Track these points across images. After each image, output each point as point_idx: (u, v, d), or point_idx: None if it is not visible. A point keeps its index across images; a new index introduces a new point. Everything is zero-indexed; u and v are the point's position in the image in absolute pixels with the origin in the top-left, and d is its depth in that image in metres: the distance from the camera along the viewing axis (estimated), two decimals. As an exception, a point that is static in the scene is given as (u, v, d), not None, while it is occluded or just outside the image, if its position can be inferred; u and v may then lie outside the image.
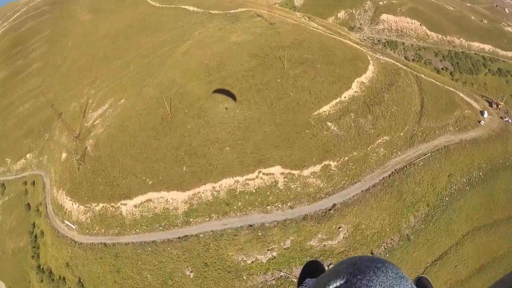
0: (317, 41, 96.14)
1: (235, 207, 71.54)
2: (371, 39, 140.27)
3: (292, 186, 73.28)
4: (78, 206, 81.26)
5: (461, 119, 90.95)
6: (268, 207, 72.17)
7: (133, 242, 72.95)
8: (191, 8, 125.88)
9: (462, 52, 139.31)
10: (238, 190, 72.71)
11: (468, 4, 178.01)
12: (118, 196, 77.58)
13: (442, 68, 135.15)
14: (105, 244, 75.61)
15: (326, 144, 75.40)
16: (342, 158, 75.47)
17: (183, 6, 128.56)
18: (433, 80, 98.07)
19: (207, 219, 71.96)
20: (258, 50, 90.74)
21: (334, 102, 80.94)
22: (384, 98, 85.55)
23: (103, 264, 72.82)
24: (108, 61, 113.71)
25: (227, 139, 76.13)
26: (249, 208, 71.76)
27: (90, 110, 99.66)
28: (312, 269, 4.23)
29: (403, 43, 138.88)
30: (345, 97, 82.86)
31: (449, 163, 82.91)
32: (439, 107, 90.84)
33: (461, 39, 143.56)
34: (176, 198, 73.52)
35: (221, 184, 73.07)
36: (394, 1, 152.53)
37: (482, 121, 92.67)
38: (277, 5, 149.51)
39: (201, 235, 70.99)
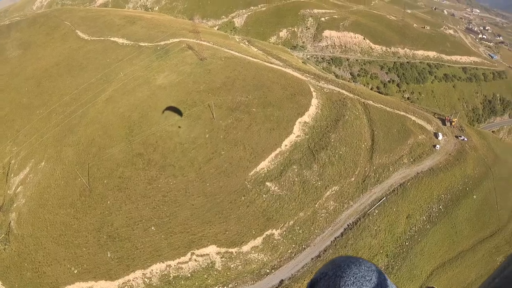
0: (252, 77, 77.32)
1: (170, 294, 54.03)
2: (315, 57, 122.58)
3: (232, 266, 55.46)
4: (11, 294, 61.25)
5: (415, 148, 75.17)
6: (208, 292, 54.60)
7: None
8: (120, 41, 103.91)
9: (407, 62, 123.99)
10: (171, 276, 55.07)
11: (409, 11, 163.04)
12: (46, 285, 59.10)
13: (389, 81, 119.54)
14: None
15: (267, 210, 57.57)
16: (287, 223, 57.97)
17: (112, 39, 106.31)
18: (382, 106, 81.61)
19: (143, 309, 54.34)
20: (185, 97, 71.22)
21: (273, 154, 62.93)
22: (330, 139, 68.25)
23: None
24: (31, 110, 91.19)
25: (152, 217, 57.23)
26: (187, 294, 54.12)
27: (12, 174, 78.43)
28: None
29: (347, 59, 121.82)
30: (286, 145, 65.00)
31: (407, 203, 67.15)
32: (391, 137, 74.63)
33: (406, 49, 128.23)
34: (106, 288, 55.13)
35: (152, 270, 55.14)
36: (336, 16, 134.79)
37: (437, 145, 77.32)
38: (216, 27, 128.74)
39: (136, 331, 53.13)
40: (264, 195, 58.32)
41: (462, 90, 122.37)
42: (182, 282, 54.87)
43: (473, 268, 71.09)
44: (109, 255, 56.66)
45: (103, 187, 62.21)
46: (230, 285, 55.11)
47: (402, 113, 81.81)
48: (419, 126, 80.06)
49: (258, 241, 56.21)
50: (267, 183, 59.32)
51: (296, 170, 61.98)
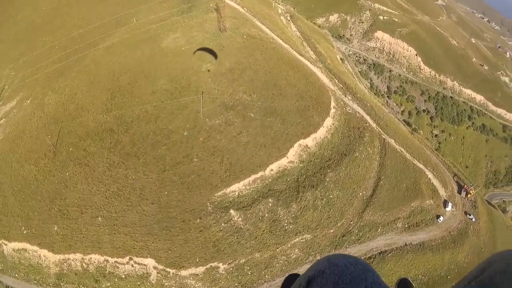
0: (268, 71, 60.61)
1: (103, 286, 47.39)
2: (357, 56, 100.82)
3: (166, 284, 46.54)
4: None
5: (416, 213, 60.75)
6: (137, 298, 46.77)
7: (12, 287, 50.33)
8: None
9: (450, 97, 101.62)
10: (107, 270, 47.54)
11: (473, 40, 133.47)
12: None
13: (424, 110, 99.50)
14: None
15: (219, 241, 46.29)
16: (237, 260, 47.06)
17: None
18: (402, 150, 65.40)
19: (76, 289, 48.81)
20: (181, 74, 56.25)
21: (252, 178, 49.67)
22: (325, 178, 54.05)
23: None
24: (41, 32, 77.78)
25: (102, 206, 47.78)
26: (118, 292, 47.04)
27: (1, 102, 68.48)
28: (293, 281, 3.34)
29: (390, 70, 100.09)
30: (271, 170, 51.26)
31: (379, 275, 54.39)
32: (396, 193, 59.94)
33: (455, 82, 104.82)
34: (48, 258, 48.55)
35: (91, 258, 47.65)
36: (396, 19, 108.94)
37: (441, 217, 62.60)
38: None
39: (68, 305, 47.80)
40: (223, 224, 46.49)
41: (493, 148, 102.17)
42: (116, 280, 47.93)
43: None
44: (55, 229, 49.64)
45: (67, 155, 52.34)
46: (158, 300, 46.44)
47: (420, 165, 65.68)
48: (431, 188, 64.49)
49: (200, 270, 46.05)
50: (231, 211, 47.06)
51: (270, 204, 49.09)
